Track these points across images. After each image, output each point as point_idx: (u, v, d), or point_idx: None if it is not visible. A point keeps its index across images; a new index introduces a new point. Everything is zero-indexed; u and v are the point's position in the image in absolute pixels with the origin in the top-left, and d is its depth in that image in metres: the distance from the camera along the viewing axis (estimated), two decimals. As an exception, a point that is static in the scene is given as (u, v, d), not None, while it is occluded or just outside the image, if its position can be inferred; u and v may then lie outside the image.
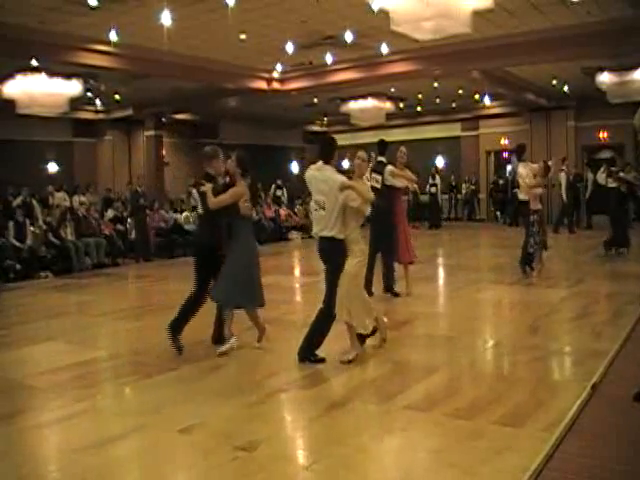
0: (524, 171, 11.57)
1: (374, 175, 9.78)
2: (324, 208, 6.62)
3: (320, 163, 6.84)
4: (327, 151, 6.91)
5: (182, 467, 4.61)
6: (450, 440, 4.68)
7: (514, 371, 6.69)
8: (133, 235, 17.39)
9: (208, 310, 7.40)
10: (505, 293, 10.53)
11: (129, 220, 17.75)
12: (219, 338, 7.41)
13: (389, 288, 10.28)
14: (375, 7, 9.85)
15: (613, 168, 18.42)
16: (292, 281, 13.37)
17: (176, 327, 7.21)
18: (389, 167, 9.96)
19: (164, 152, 24.22)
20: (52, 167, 22.48)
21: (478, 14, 9.80)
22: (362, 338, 7.07)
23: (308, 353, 6.76)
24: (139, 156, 24.13)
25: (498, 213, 25.89)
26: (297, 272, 15.19)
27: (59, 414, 5.74)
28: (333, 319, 6.74)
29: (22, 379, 6.69)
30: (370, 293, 8.71)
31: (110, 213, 18.06)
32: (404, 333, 8.12)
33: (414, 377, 6.29)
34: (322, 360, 6.73)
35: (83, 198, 18.81)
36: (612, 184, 16.75)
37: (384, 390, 5.98)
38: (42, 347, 7.03)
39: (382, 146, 10.29)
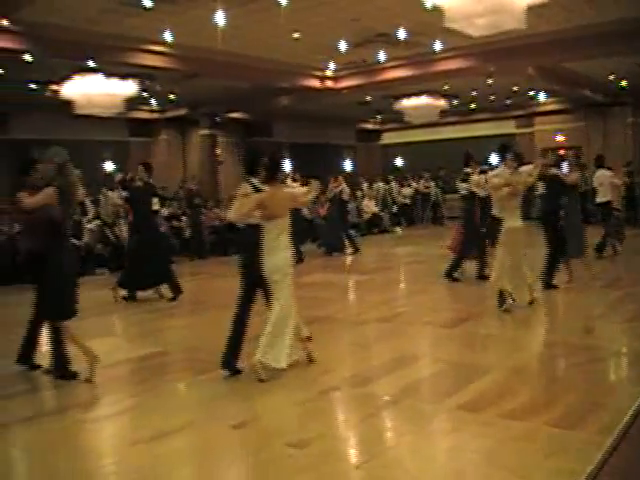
0: (607, 173, 12.88)
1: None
2: None
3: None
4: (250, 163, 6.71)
5: (234, 462, 4.68)
6: (501, 441, 4.64)
7: (568, 372, 6.59)
8: (188, 233, 17.59)
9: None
10: (559, 293, 10.37)
11: (184, 218, 17.97)
12: None
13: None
14: (428, 4, 9.82)
15: None
16: (343, 279, 13.37)
17: None
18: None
19: (218, 151, 24.41)
20: (108, 166, 22.83)
21: (532, 9, 9.68)
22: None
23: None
24: (193, 155, 24.36)
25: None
26: (348, 270, 15.18)
27: (114, 408, 5.88)
28: None
29: (79, 373, 6.84)
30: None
31: (165, 211, 18.30)
32: (458, 332, 8.07)
33: (466, 377, 6.23)
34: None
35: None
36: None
37: (436, 390, 5.97)
38: (98, 342, 7.15)
39: (467, 157, 11.64)
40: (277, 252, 6.35)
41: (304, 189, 7.51)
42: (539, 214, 11.57)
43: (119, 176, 13.81)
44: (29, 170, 6.77)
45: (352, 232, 18.53)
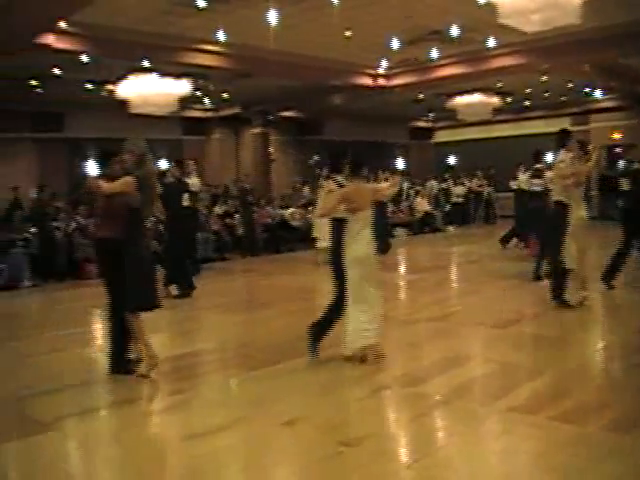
0: None
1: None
2: None
3: None
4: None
5: (285, 459, 4.71)
6: (553, 444, 4.59)
7: (624, 374, 6.47)
8: (240, 231, 17.75)
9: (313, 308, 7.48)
10: (615, 294, 10.20)
11: (237, 216, 18.13)
12: None
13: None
14: (482, 0, 9.72)
15: None
16: (394, 278, 13.33)
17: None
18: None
19: (271, 149, 24.54)
20: (163, 164, 23.09)
21: (587, 4, 9.52)
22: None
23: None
24: (246, 153, 24.55)
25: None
26: (402, 269, 15.13)
27: (166, 403, 6.00)
28: None
29: (134, 368, 6.95)
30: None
31: (219, 209, 18.49)
32: (510, 332, 7.99)
33: (519, 378, 6.18)
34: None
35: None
36: None
37: (487, 390, 5.92)
38: (151, 338, 7.25)
39: (538, 154, 11.72)
40: (359, 244, 6.54)
41: (386, 184, 7.61)
42: (615, 211, 11.13)
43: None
44: (108, 161, 6.82)
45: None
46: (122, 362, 6.70)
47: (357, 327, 6.55)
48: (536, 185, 11.35)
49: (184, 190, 11.59)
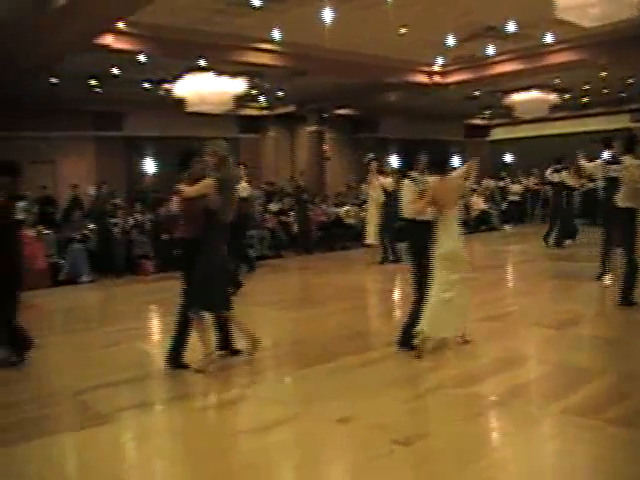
0: None
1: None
2: None
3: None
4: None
5: (340, 456, 4.73)
6: (609, 448, 4.52)
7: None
8: (295, 228, 17.83)
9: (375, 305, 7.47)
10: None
11: (292, 214, 18.21)
12: None
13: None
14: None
15: None
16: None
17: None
18: None
19: (325, 147, 24.58)
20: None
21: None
22: None
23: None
24: (301, 151, 24.63)
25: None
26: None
27: (222, 398, 6.09)
28: None
29: (188, 364, 7.05)
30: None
31: (274, 206, 18.59)
32: (566, 333, 7.87)
33: (574, 380, 6.07)
34: None
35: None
36: None
37: (542, 392, 5.86)
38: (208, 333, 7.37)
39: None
40: (449, 240, 6.70)
41: (463, 169, 7.57)
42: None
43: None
44: (189, 162, 6.87)
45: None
46: (180, 358, 6.80)
47: (439, 317, 6.64)
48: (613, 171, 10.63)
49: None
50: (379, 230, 14.23)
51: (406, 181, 6.95)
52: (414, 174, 6.95)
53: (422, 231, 6.80)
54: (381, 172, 14.65)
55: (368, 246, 14.73)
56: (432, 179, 6.82)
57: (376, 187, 14.26)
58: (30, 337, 7.16)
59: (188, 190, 6.53)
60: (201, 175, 6.65)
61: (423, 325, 6.63)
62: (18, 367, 6.98)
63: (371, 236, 14.37)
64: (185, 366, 6.73)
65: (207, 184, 6.50)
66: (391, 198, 13.90)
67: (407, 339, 6.88)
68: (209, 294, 6.56)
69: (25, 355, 7.10)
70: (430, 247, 6.71)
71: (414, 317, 6.82)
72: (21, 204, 6.83)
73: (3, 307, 6.97)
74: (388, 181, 14.30)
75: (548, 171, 16.32)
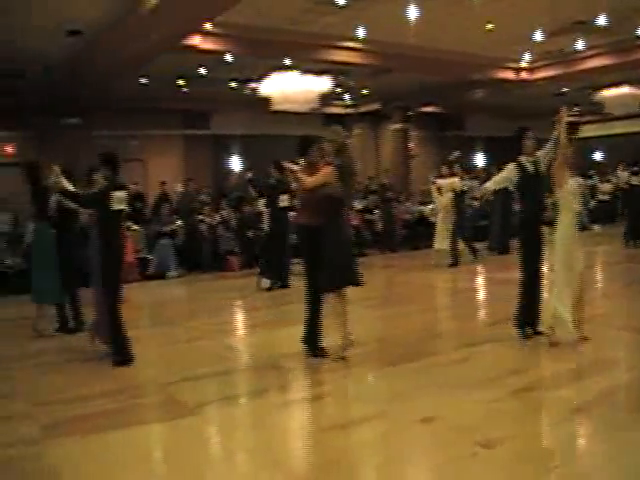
0: None
1: None
2: None
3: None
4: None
5: (423, 456, 4.72)
6: None
7: None
8: (380, 226, 17.81)
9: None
10: None
11: (376, 211, 18.20)
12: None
13: None
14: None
15: None
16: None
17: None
18: None
19: (411, 145, 24.44)
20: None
21: None
22: None
23: None
24: (386, 149, 24.52)
25: None
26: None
27: (306, 394, 6.15)
28: None
29: (273, 359, 7.15)
30: None
31: (358, 204, 18.61)
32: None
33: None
34: None
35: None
36: None
37: (631, 398, 5.69)
38: (292, 330, 7.43)
39: None
40: (563, 224, 7.15)
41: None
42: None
43: (249, 174, 14.69)
44: (308, 149, 6.96)
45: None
46: (318, 342, 7.01)
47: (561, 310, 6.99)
48: None
49: (283, 191, 11.75)
50: (451, 234, 13.95)
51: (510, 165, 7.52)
52: (522, 158, 7.60)
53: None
54: (452, 174, 14.28)
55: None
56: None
57: (444, 190, 14.01)
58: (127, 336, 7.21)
59: (309, 181, 6.61)
60: (322, 162, 6.74)
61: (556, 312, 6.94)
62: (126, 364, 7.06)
63: (439, 241, 14.07)
64: (323, 351, 6.95)
65: (327, 173, 6.57)
66: (460, 199, 13.93)
67: (522, 322, 7.30)
68: (344, 272, 6.73)
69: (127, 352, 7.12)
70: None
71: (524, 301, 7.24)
72: (119, 193, 6.93)
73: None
74: (456, 181, 14.07)
75: (626, 173, 15.90)
